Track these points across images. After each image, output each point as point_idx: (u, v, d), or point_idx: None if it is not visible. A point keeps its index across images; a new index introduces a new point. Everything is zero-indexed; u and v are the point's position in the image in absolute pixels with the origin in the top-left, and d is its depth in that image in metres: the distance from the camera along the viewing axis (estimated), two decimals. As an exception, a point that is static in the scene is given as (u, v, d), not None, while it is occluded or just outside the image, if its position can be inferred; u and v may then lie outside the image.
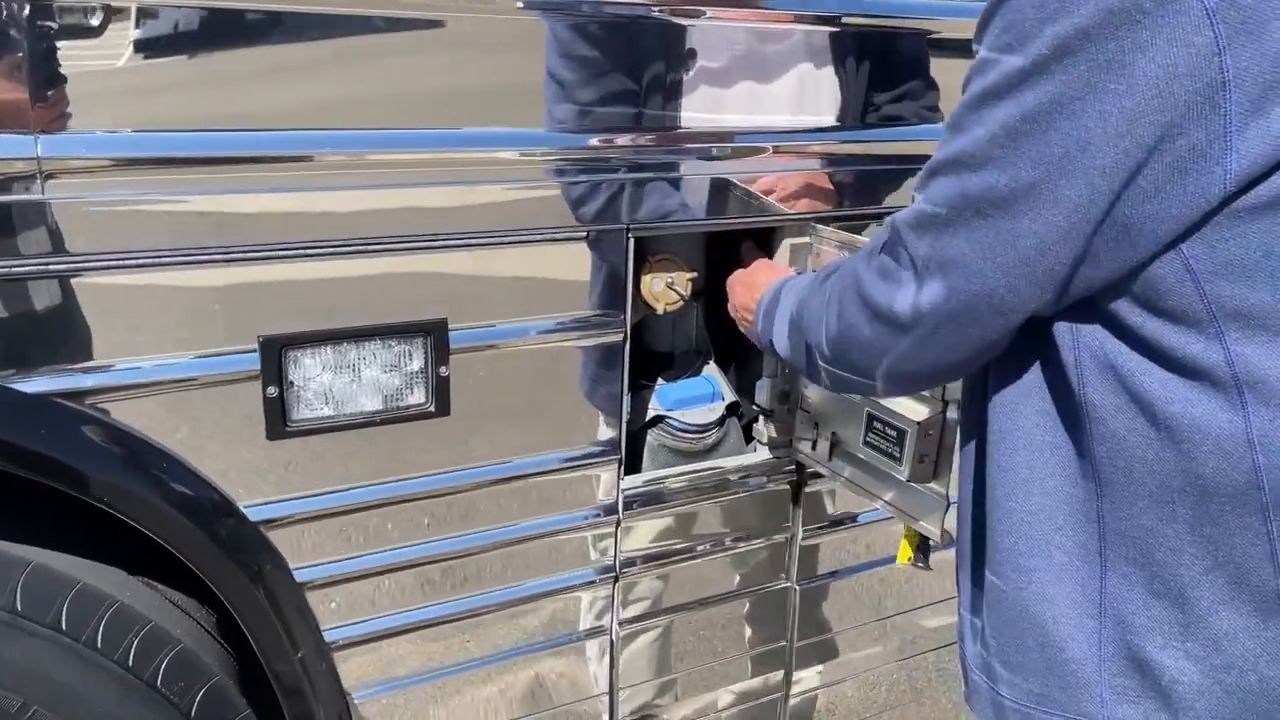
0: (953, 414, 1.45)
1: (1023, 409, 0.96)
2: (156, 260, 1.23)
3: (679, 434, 1.80)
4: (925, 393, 1.46)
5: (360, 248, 1.34)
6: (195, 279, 1.26)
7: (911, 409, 1.48)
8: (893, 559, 1.88)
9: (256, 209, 1.27)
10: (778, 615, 1.88)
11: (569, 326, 1.51)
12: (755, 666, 1.90)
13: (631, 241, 1.52)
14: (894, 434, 1.50)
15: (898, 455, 1.49)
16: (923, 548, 1.62)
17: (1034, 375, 0.96)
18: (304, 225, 1.30)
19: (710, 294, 1.93)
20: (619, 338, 1.55)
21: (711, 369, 1.91)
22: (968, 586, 1.10)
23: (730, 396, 1.87)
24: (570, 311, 1.51)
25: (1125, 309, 0.87)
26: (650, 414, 1.79)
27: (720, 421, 1.84)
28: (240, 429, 1.33)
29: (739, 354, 1.94)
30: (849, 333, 1.06)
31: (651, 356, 1.91)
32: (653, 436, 1.80)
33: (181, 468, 1.31)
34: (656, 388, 1.83)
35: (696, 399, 1.82)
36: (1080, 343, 0.91)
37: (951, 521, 1.48)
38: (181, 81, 1.22)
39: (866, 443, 1.55)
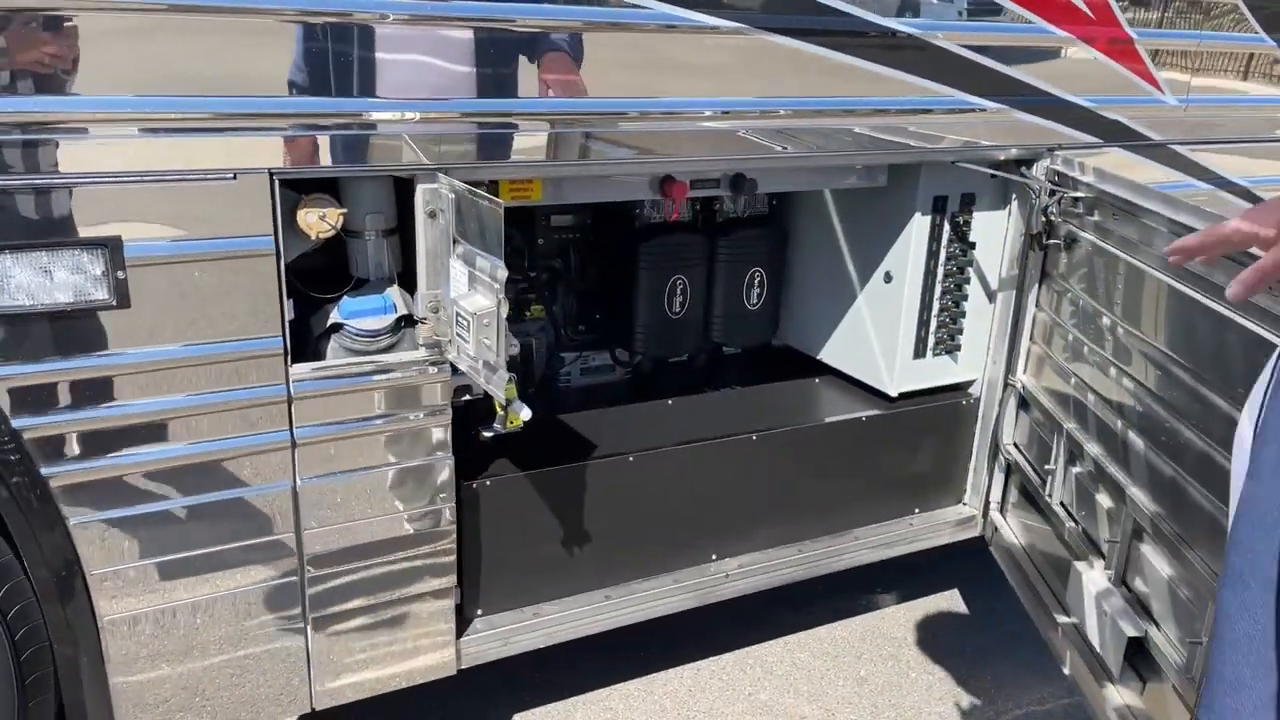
0: (504, 310, 1.99)
1: None
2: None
3: (354, 338, 2.32)
4: (485, 288, 2.00)
5: (56, 183, 1.85)
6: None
7: (475, 303, 2.02)
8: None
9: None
10: (434, 475, 2.42)
11: (228, 246, 2.03)
12: (419, 500, 2.44)
13: (276, 183, 2.04)
14: (466, 322, 2.03)
15: (467, 338, 2.03)
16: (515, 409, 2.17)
17: None
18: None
19: (401, 231, 2.45)
20: (271, 254, 2.07)
21: (393, 290, 2.44)
22: None
23: (404, 310, 2.39)
24: (227, 234, 2.03)
25: None
26: (330, 321, 2.32)
27: (393, 329, 2.37)
28: (-41, 313, 1.85)
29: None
30: None
31: (347, 279, 2.44)
32: (334, 340, 2.32)
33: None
34: (340, 302, 2.35)
35: (371, 310, 2.35)
36: None
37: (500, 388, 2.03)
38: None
39: (457, 333, 2.09)
